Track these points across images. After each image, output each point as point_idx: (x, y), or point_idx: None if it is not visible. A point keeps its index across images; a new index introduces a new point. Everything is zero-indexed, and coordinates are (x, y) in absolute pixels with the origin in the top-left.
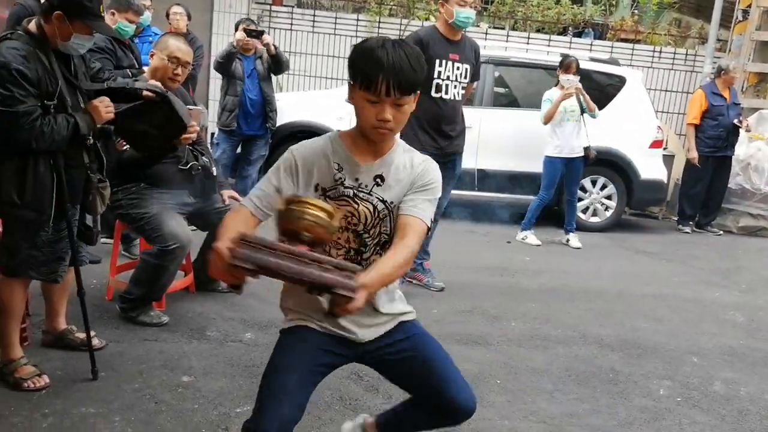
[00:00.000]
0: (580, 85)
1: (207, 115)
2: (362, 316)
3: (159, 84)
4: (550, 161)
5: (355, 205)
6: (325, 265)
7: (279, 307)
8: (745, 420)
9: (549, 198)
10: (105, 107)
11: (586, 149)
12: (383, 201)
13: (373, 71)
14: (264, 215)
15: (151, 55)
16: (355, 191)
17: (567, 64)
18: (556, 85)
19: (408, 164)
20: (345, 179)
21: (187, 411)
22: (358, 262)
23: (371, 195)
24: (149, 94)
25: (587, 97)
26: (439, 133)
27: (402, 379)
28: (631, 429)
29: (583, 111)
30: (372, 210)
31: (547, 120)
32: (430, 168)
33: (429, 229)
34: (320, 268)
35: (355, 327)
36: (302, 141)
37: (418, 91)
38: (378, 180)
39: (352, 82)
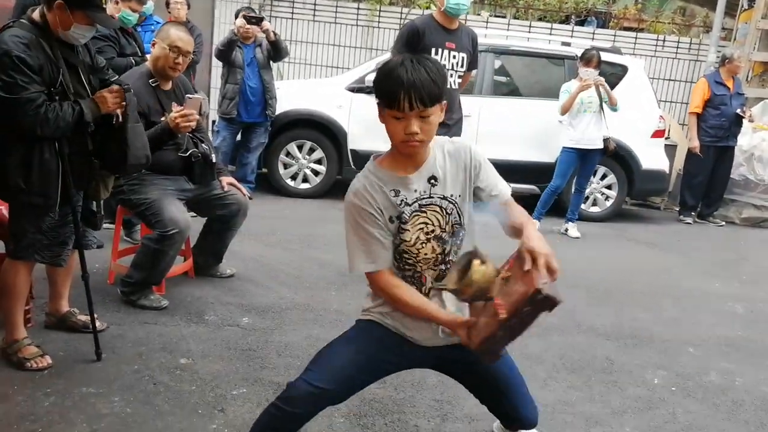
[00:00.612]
0: (602, 79)
1: (207, 103)
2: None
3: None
4: (566, 152)
5: (425, 214)
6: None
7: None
8: (740, 410)
9: (562, 187)
10: (113, 98)
11: (606, 141)
12: (445, 198)
13: (394, 89)
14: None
15: (153, 45)
16: (419, 202)
17: (588, 58)
18: (575, 77)
19: (451, 155)
20: (407, 198)
21: (184, 392)
22: (444, 262)
23: (432, 197)
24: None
25: (609, 89)
26: None
27: (474, 383)
28: (624, 417)
29: (602, 103)
30: (439, 210)
31: (564, 111)
32: (467, 146)
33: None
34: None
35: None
36: (350, 193)
37: (445, 101)
38: (432, 181)
39: (378, 102)
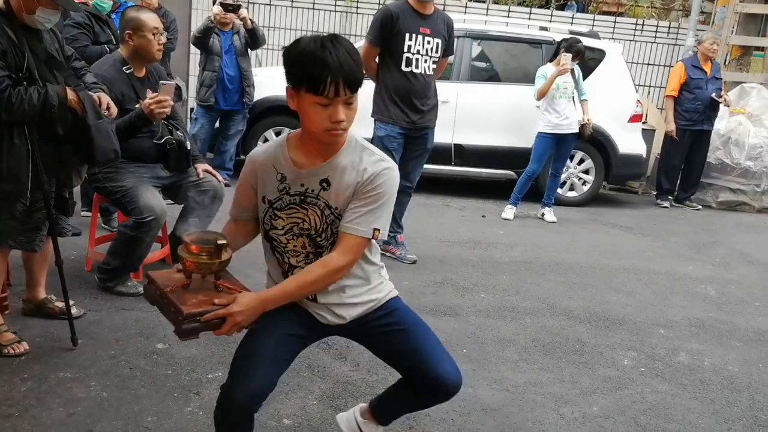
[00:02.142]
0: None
1: (186, 90)
2: (330, 305)
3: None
4: (542, 137)
5: (304, 211)
6: (179, 317)
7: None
8: (707, 389)
9: (538, 172)
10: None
11: (583, 126)
12: (329, 207)
13: (320, 73)
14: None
15: (130, 37)
16: (302, 197)
17: (577, 50)
18: (550, 61)
19: (357, 165)
20: (290, 188)
21: (160, 376)
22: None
23: (318, 199)
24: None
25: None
26: (410, 107)
27: (387, 354)
28: (593, 398)
29: (577, 88)
30: (320, 214)
31: (541, 96)
32: (381, 175)
33: (372, 238)
34: (165, 309)
35: (325, 312)
36: (258, 147)
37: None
38: (324, 184)
39: (294, 87)
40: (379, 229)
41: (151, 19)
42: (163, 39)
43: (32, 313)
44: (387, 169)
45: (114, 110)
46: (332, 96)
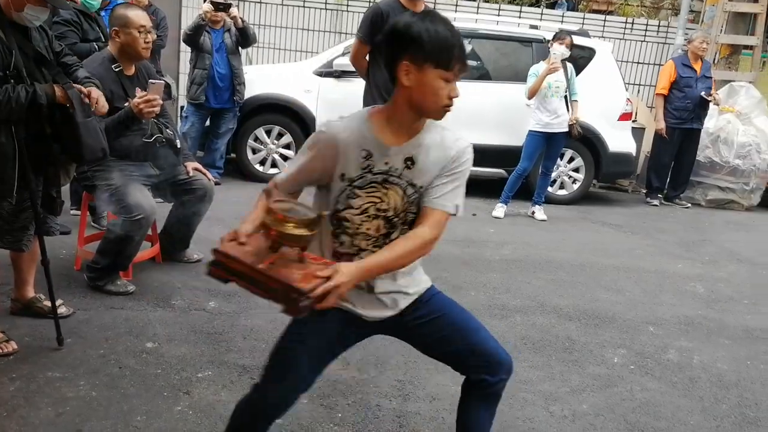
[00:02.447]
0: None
1: (176, 88)
2: (384, 294)
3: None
4: (532, 135)
5: (384, 191)
6: (274, 285)
7: None
8: (695, 387)
9: (528, 170)
10: (60, 90)
11: (572, 126)
12: (413, 185)
13: (450, 51)
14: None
15: (116, 33)
16: (385, 176)
17: (560, 37)
18: (544, 60)
19: (441, 143)
20: (374, 166)
21: (150, 375)
22: (384, 244)
23: (401, 179)
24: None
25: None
26: None
27: (433, 343)
28: (582, 395)
29: (569, 87)
30: (402, 195)
31: (532, 94)
32: (466, 152)
33: (453, 214)
34: (268, 287)
35: (365, 309)
36: (333, 122)
37: None
38: (408, 163)
39: (416, 62)
40: (458, 206)
41: (138, 16)
42: (151, 37)
43: (21, 312)
44: (469, 146)
45: (104, 106)
46: (457, 72)
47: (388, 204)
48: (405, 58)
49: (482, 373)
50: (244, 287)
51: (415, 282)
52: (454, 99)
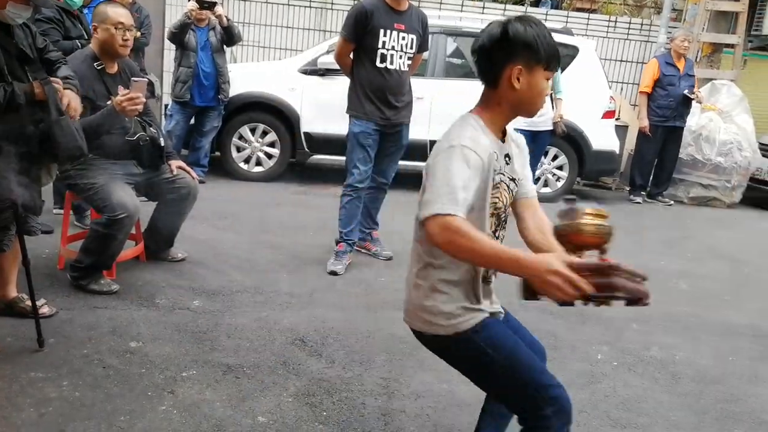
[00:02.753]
0: None
1: (160, 86)
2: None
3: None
4: (516, 133)
5: (499, 190)
6: (633, 278)
7: (432, 315)
8: (678, 383)
9: None
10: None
11: (556, 124)
12: (513, 179)
13: (557, 54)
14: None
15: (95, 29)
16: (501, 175)
17: None
18: None
19: (514, 138)
20: (500, 167)
21: (134, 375)
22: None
23: (503, 174)
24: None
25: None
26: (385, 103)
27: None
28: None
29: (554, 86)
30: (507, 190)
31: None
32: (525, 143)
33: None
34: (631, 281)
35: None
36: (460, 134)
37: None
38: (506, 159)
39: (528, 66)
40: None
41: (116, 13)
42: (131, 35)
43: (3, 312)
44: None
45: (76, 111)
46: (554, 69)
47: (501, 201)
48: (518, 62)
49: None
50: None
51: None
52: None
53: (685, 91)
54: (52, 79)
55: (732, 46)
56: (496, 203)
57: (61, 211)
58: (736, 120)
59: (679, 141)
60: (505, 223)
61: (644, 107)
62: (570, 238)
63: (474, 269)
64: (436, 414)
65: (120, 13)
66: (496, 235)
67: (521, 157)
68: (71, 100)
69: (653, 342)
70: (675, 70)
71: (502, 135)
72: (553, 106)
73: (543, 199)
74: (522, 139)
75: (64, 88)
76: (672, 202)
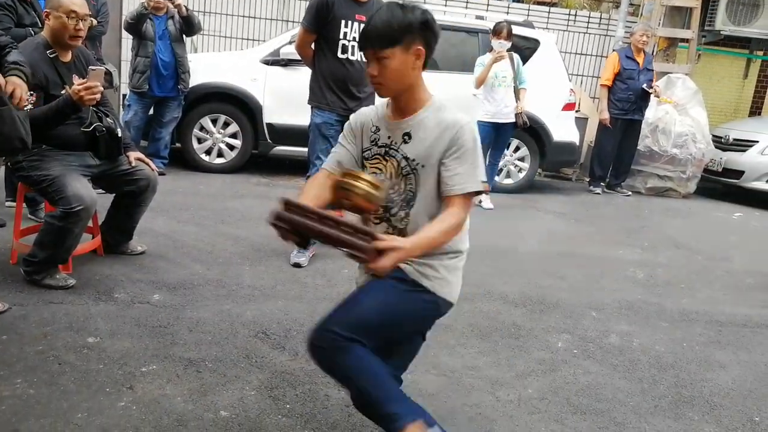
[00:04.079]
0: (505, 54)
1: (116, 75)
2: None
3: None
4: (481, 126)
5: (385, 162)
6: (345, 229)
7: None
8: (636, 369)
9: None
10: None
11: (517, 115)
12: (406, 158)
13: (364, 29)
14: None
15: (47, 16)
16: (386, 149)
17: (498, 30)
18: (489, 51)
19: (435, 124)
20: (379, 139)
21: (91, 371)
22: (386, 218)
23: (398, 152)
24: None
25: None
26: (347, 94)
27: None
28: (528, 380)
29: (516, 78)
30: (396, 166)
31: (479, 84)
32: (461, 128)
33: (478, 192)
34: (341, 231)
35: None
36: (360, 109)
37: (419, 47)
38: (405, 137)
39: (425, 49)
40: (480, 180)
41: (69, 2)
42: (85, 25)
43: None
44: (468, 123)
45: (23, 99)
46: (363, 50)
47: (385, 175)
48: (421, 44)
49: None
50: (314, 235)
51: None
52: (371, 77)
53: (644, 85)
54: None
55: (687, 40)
56: (377, 173)
57: (14, 204)
58: (691, 113)
59: (637, 133)
60: (408, 206)
61: (605, 100)
62: (341, 194)
63: None
64: None
65: (75, 2)
66: (390, 212)
67: (439, 145)
68: (17, 87)
69: (611, 330)
70: (635, 64)
71: (408, 113)
72: (516, 99)
73: (506, 190)
74: (449, 126)
75: (12, 74)
76: (630, 192)
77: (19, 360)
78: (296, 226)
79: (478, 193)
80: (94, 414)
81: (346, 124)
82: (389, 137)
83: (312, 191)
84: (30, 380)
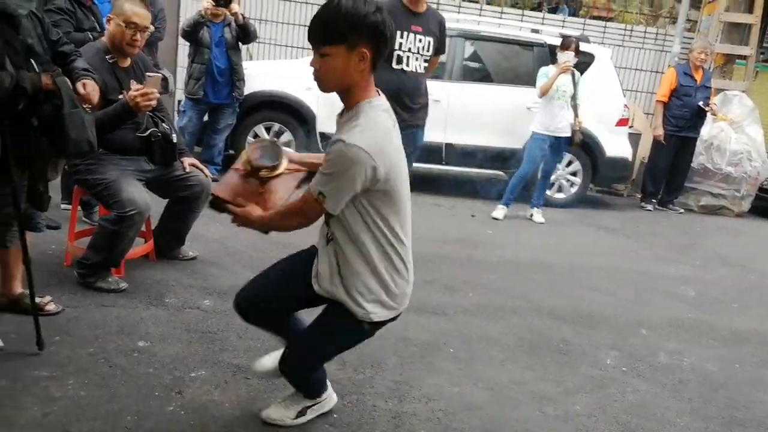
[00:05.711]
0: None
1: (172, 81)
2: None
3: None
4: (536, 138)
5: None
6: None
7: None
8: (685, 389)
9: (531, 173)
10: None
11: (575, 132)
12: None
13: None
14: None
15: (108, 21)
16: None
17: (567, 44)
18: (553, 63)
19: (341, 127)
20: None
21: (141, 375)
22: (332, 238)
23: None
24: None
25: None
26: (400, 105)
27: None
28: (576, 397)
29: (575, 94)
30: None
31: (543, 93)
32: (334, 147)
33: (315, 200)
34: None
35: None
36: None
37: (364, 50)
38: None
39: (370, 51)
40: (323, 194)
41: (133, 11)
42: (141, 36)
43: (7, 308)
44: (340, 141)
45: (95, 99)
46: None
47: None
48: (367, 45)
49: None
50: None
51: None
52: (314, 71)
53: (700, 103)
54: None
55: (744, 57)
56: None
57: (69, 207)
58: (747, 130)
59: (692, 151)
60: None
61: (660, 116)
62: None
63: None
64: (446, 417)
65: (137, 12)
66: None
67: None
68: (93, 89)
69: (661, 348)
70: (692, 81)
71: (341, 115)
72: (575, 114)
73: (557, 204)
74: (332, 143)
75: (82, 78)
76: (682, 210)
77: (71, 362)
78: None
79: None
80: (143, 417)
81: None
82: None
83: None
84: (81, 382)
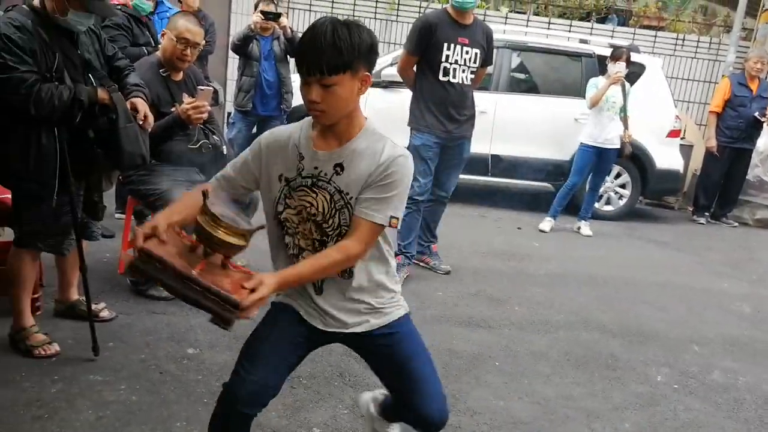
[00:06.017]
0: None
1: (223, 94)
2: (338, 310)
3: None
4: (584, 150)
5: (314, 195)
6: (210, 297)
7: None
8: (741, 409)
9: (579, 184)
10: (103, 92)
11: (624, 144)
12: (340, 191)
13: (300, 52)
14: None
15: (163, 35)
16: (314, 180)
17: (618, 55)
18: (602, 74)
19: (372, 152)
20: (304, 169)
21: (190, 382)
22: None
23: (329, 184)
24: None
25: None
26: (447, 116)
27: (379, 371)
28: (625, 414)
29: (625, 106)
30: (329, 199)
31: (593, 104)
32: (396, 162)
33: (386, 226)
34: (205, 298)
35: (325, 315)
36: (274, 128)
37: (367, 74)
38: (338, 169)
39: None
40: (397, 218)
41: (186, 27)
42: (192, 52)
43: (64, 314)
44: (401, 156)
45: (148, 117)
46: (306, 75)
47: (316, 209)
48: (367, 68)
49: (407, 418)
50: (168, 290)
51: (375, 312)
52: (311, 102)
53: (756, 113)
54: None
55: None
56: (307, 208)
57: (123, 216)
58: None
59: (746, 162)
60: (342, 237)
61: (713, 127)
62: (199, 238)
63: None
64: (491, 431)
65: (190, 29)
66: (324, 242)
67: (366, 175)
68: (146, 112)
69: (715, 365)
70: (747, 91)
71: (340, 142)
72: (624, 126)
73: (606, 217)
74: (388, 162)
75: (134, 96)
76: (736, 223)
77: (124, 367)
78: (155, 281)
79: (383, 226)
80: (192, 423)
81: (255, 141)
82: (316, 167)
83: (181, 207)
84: (133, 387)
